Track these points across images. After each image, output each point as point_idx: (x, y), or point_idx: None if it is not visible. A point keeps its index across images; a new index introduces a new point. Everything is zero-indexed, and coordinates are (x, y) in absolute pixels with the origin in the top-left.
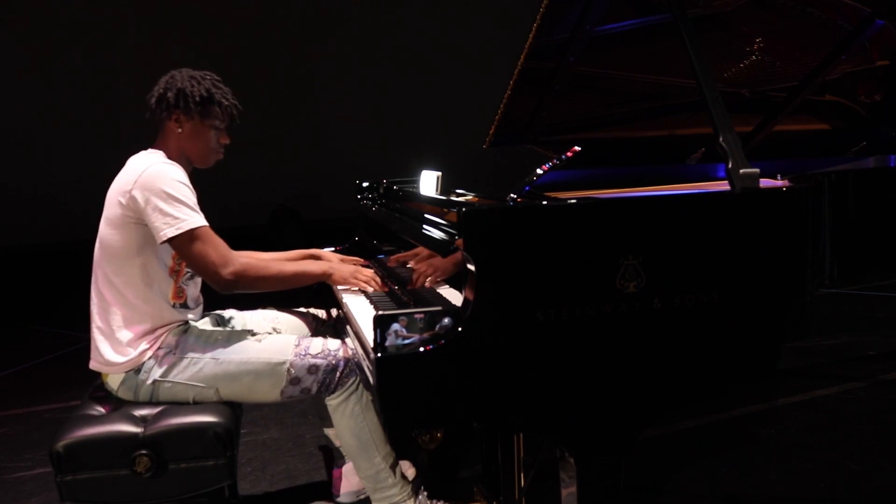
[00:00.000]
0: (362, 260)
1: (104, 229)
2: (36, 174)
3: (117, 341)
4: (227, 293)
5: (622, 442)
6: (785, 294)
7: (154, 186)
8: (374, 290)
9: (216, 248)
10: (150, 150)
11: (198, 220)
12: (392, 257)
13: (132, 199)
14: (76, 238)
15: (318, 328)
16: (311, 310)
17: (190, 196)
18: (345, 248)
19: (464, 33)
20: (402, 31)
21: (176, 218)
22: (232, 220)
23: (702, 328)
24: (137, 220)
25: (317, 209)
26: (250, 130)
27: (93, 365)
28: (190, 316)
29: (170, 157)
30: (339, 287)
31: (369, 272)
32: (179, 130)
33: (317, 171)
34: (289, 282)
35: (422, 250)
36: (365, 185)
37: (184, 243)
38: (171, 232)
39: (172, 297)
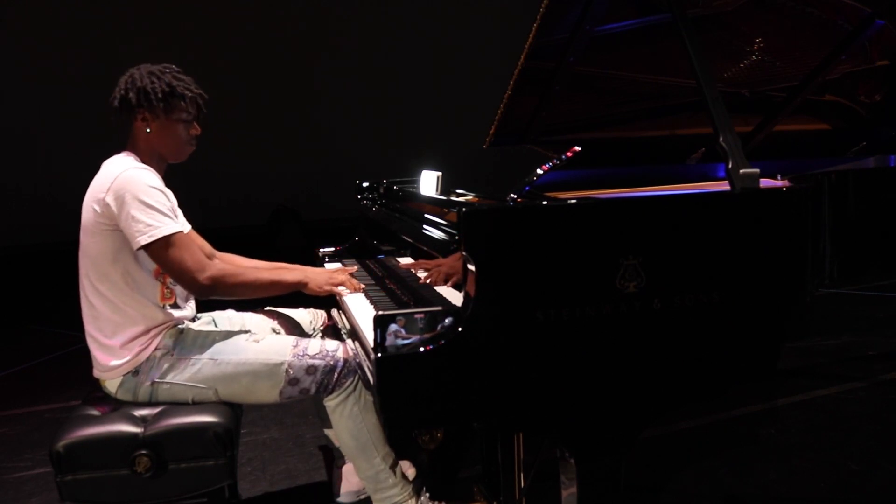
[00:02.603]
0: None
1: (83, 237)
2: (36, 174)
3: (112, 347)
4: (203, 298)
5: (622, 442)
6: (785, 294)
7: (127, 193)
8: (355, 291)
9: (192, 253)
10: (122, 154)
11: (172, 226)
12: (405, 263)
13: (106, 206)
14: (76, 238)
15: (318, 328)
16: (311, 310)
17: (164, 201)
18: (345, 248)
19: (464, 33)
20: (402, 31)
21: (149, 225)
22: (232, 219)
23: (702, 328)
24: (113, 227)
25: (317, 209)
26: (251, 131)
27: (95, 373)
28: (182, 314)
29: (142, 158)
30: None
31: (344, 276)
32: (148, 130)
33: (317, 171)
34: (265, 289)
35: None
36: (365, 185)
37: (159, 250)
38: (144, 239)
39: (161, 300)
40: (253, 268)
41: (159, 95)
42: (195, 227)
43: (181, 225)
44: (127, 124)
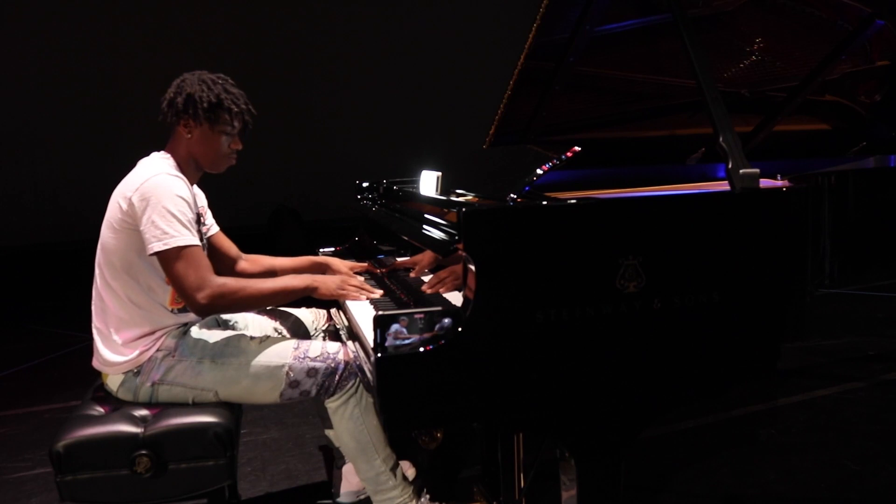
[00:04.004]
0: (362, 265)
1: (104, 232)
2: (36, 174)
3: (116, 343)
4: (202, 316)
5: (622, 442)
6: (785, 294)
7: (152, 198)
8: (367, 298)
9: (196, 270)
10: (160, 154)
11: (187, 238)
12: (399, 261)
13: (131, 205)
14: (76, 238)
15: (320, 328)
16: (313, 310)
17: (186, 212)
18: (345, 248)
19: (464, 33)
20: (402, 31)
21: (165, 233)
22: (232, 220)
23: (702, 328)
24: (134, 227)
25: (317, 209)
26: (251, 131)
27: (94, 364)
28: (190, 318)
29: (179, 162)
30: None
31: (357, 281)
32: (189, 136)
33: (317, 171)
34: (269, 300)
35: (425, 256)
36: (365, 185)
37: (168, 259)
38: (157, 246)
39: (170, 303)
40: (258, 279)
41: (205, 106)
42: None
43: (196, 239)
44: (171, 126)
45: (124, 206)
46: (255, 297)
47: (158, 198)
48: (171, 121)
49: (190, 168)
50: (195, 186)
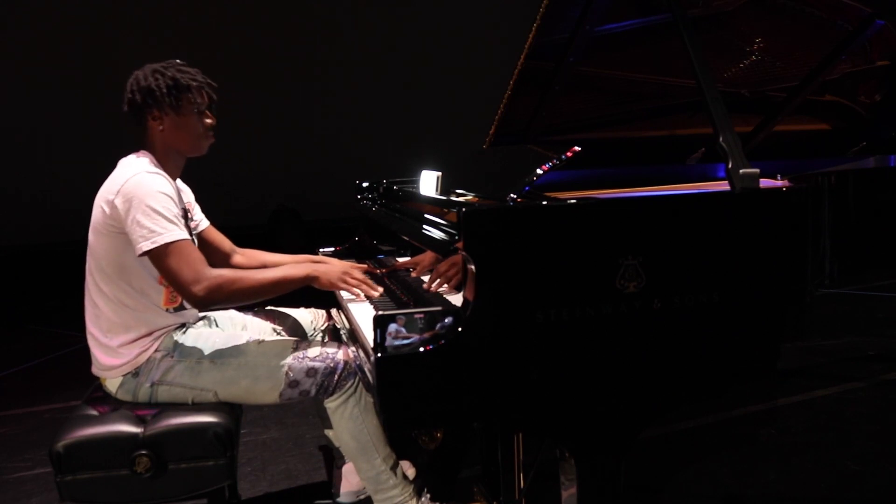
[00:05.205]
0: (362, 265)
1: (91, 237)
2: (36, 174)
3: (112, 347)
4: (202, 310)
5: (622, 442)
6: (785, 294)
7: (135, 197)
8: (366, 294)
9: (190, 263)
10: (138, 154)
11: (175, 233)
12: (400, 261)
13: (114, 207)
14: (76, 238)
15: (318, 328)
16: (312, 310)
17: (171, 207)
18: (345, 248)
19: (464, 33)
20: (402, 32)
21: (153, 231)
22: (232, 220)
23: (702, 328)
24: (119, 230)
25: (317, 209)
26: (251, 131)
27: (94, 371)
28: (186, 317)
29: (158, 157)
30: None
31: (359, 274)
32: (161, 127)
33: (317, 171)
34: (270, 291)
35: (425, 256)
36: (365, 185)
37: (159, 257)
38: (146, 245)
39: (165, 303)
40: (256, 270)
41: (164, 91)
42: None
43: (185, 233)
44: (141, 126)
45: (107, 210)
46: (253, 287)
47: (141, 197)
48: (139, 120)
49: (170, 161)
50: (179, 181)
